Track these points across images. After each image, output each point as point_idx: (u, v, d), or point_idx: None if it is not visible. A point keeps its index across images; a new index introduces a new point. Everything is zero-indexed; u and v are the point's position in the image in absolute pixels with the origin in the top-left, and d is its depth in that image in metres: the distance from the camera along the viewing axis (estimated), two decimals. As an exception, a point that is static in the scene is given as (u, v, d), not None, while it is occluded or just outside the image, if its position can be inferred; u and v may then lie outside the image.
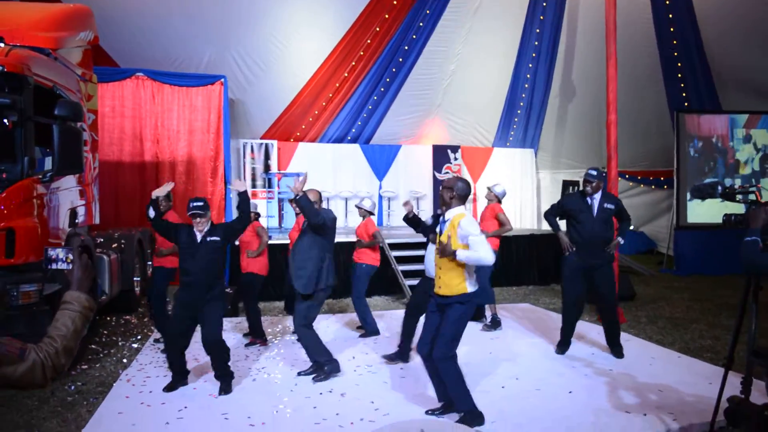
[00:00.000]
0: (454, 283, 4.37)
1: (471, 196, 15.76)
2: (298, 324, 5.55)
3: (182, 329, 5.30)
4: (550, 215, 6.62)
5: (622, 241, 6.40)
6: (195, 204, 5.25)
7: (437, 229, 4.64)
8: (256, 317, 7.00)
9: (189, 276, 5.23)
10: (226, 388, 5.26)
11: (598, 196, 6.21)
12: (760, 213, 3.25)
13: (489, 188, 8.01)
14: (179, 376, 5.39)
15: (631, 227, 14.99)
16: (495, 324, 7.64)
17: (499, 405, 4.87)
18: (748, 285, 3.55)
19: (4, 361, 1.83)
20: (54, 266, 2.28)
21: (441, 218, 4.60)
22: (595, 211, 6.21)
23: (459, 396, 4.47)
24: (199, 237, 5.27)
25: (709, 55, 13.44)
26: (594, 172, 6.19)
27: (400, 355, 6.17)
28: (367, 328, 7.36)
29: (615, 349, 6.36)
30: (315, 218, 5.28)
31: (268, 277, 7.18)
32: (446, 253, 4.32)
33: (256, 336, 7.00)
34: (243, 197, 5.44)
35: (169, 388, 5.32)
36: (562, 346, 6.55)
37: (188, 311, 5.26)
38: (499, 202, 7.89)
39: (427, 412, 4.72)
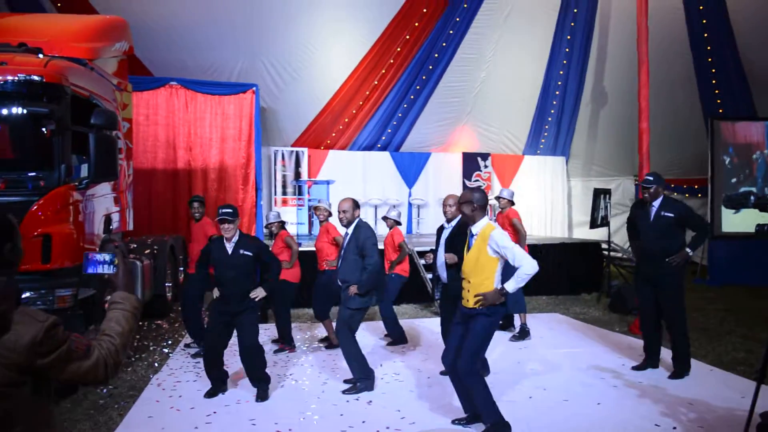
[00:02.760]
0: None
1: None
2: (343, 331, 5.50)
3: (219, 338, 5.38)
4: (630, 237, 6.54)
5: (690, 253, 5.80)
6: (224, 210, 5.30)
7: (466, 244, 4.57)
8: (286, 324, 7.05)
9: (223, 287, 5.30)
10: (263, 395, 5.28)
11: (657, 203, 5.94)
12: None
13: (498, 197, 7.84)
14: (219, 383, 5.46)
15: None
16: (523, 334, 7.57)
17: (525, 415, 4.85)
18: None
19: (73, 356, 1.87)
20: (97, 270, 2.27)
21: (469, 233, 4.56)
22: (651, 218, 5.95)
23: (486, 408, 4.42)
24: (230, 249, 5.30)
25: (745, 61, 13.21)
26: (651, 178, 5.99)
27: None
28: (394, 336, 7.37)
29: (675, 366, 5.94)
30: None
31: (298, 285, 7.23)
32: (489, 302, 4.25)
33: (285, 343, 7.05)
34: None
35: (210, 394, 5.37)
36: (645, 362, 6.21)
37: (224, 320, 5.33)
38: (512, 204, 7.81)
39: (453, 422, 4.71)
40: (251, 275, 5.44)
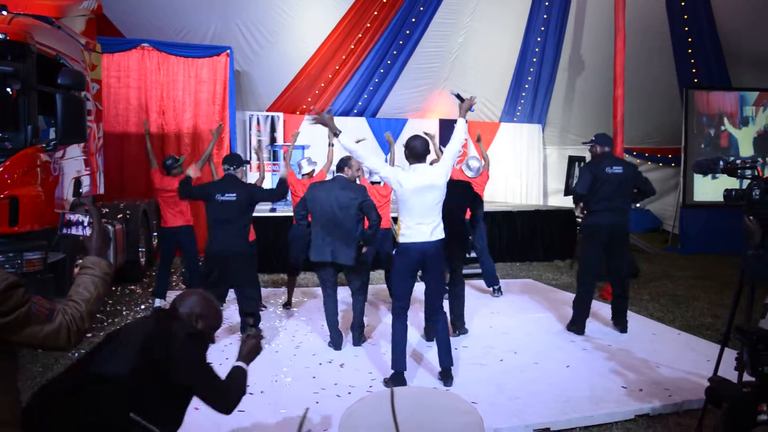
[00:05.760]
0: None
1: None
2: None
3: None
4: None
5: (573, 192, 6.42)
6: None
7: None
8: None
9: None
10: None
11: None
12: (753, 230, 3.19)
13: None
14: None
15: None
16: None
17: (496, 378, 4.92)
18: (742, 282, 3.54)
19: (33, 320, 1.83)
20: (71, 231, 2.20)
21: None
22: None
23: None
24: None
25: (720, 31, 13.25)
26: (593, 138, 6.29)
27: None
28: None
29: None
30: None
31: (275, 248, 7.25)
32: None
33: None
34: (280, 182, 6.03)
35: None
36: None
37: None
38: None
39: None
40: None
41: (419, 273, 4.89)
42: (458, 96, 4.91)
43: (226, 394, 2.53)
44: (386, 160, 6.74)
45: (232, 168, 5.72)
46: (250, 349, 2.72)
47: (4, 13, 5.60)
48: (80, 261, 6.23)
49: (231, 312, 6.95)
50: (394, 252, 4.84)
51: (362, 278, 5.95)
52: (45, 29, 5.89)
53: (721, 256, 11.55)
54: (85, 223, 2.20)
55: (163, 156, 10.84)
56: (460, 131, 4.71)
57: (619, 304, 6.38)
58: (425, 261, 4.68)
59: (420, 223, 4.60)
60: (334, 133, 4.61)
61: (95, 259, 2.15)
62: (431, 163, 5.28)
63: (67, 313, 1.95)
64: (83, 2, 7.25)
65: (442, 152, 4.87)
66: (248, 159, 11.35)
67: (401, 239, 4.66)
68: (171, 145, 11.14)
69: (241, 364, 2.67)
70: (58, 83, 5.47)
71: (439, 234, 4.69)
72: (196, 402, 2.56)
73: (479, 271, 8.21)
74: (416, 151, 4.73)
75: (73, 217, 2.20)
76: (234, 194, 5.50)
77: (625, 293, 6.35)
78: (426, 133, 5.50)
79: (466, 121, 4.76)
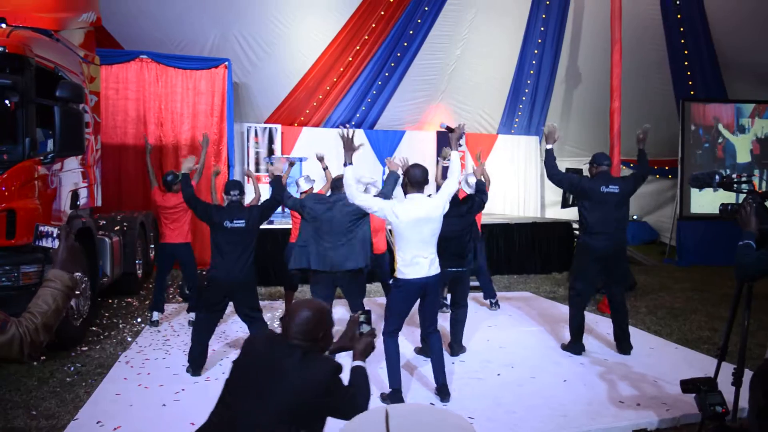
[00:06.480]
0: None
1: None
2: None
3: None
4: None
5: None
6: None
7: None
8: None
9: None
10: None
11: None
12: (750, 216, 3.19)
13: None
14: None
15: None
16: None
17: (493, 392, 4.91)
18: (741, 283, 3.53)
19: None
20: (42, 243, 2.27)
21: None
22: None
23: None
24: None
25: (717, 44, 13.32)
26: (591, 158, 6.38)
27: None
28: None
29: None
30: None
31: (272, 262, 7.21)
32: None
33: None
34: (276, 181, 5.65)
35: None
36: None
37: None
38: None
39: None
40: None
41: None
42: (447, 128, 4.94)
43: (358, 402, 2.55)
44: (383, 180, 6.59)
45: (239, 195, 5.58)
46: (365, 347, 2.75)
47: (3, 25, 5.62)
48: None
49: (228, 325, 6.96)
50: (391, 282, 4.81)
51: (361, 295, 5.93)
52: (44, 42, 5.90)
53: (719, 267, 11.53)
54: (54, 235, 2.24)
55: (162, 172, 10.88)
56: (455, 167, 4.76)
57: (620, 326, 6.12)
58: (424, 293, 4.68)
59: (417, 256, 4.51)
60: (346, 162, 4.57)
61: (58, 273, 2.16)
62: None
63: (22, 324, 1.96)
64: (82, 15, 7.27)
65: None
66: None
67: (399, 275, 4.59)
68: (169, 156, 11.15)
69: (359, 363, 2.70)
70: (57, 96, 5.49)
71: (436, 269, 4.65)
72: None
73: (477, 284, 8.20)
74: (416, 179, 4.65)
75: (44, 229, 2.27)
76: (243, 221, 5.32)
77: (624, 307, 6.17)
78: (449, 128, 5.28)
79: (460, 153, 4.86)
